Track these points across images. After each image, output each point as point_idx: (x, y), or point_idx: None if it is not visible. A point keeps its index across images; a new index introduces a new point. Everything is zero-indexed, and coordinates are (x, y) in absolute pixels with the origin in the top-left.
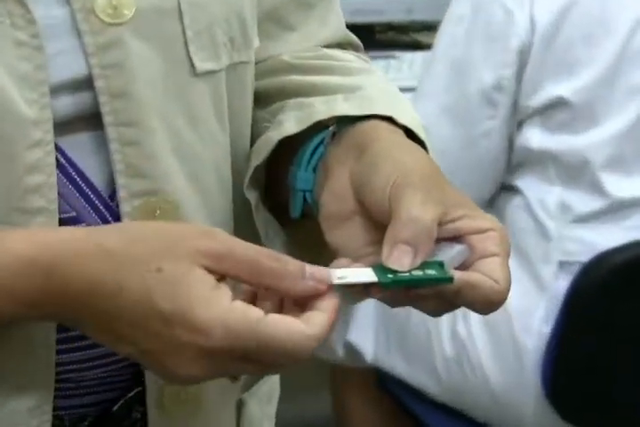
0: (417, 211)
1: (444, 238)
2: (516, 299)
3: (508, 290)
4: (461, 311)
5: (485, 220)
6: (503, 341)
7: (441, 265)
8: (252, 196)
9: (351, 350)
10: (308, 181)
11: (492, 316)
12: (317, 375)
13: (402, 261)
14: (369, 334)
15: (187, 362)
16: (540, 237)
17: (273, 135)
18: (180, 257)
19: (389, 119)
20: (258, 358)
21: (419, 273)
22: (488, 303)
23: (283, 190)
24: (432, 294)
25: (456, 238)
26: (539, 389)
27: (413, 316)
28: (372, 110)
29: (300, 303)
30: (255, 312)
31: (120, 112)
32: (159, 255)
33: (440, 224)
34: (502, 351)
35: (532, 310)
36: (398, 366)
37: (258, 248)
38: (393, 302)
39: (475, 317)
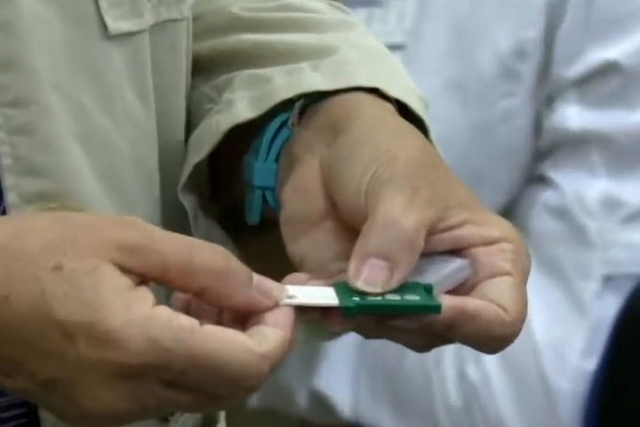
0: (397, 213)
1: (439, 252)
2: (546, 326)
3: (522, 322)
4: None
5: (496, 227)
6: (529, 383)
7: (428, 289)
8: (188, 201)
9: (320, 402)
10: (269, 176)
11: (513, 349)
12: None
13: (373, 280)
14: (345, 378)
15: (99, 390)
16: (577, 245)
17: (220, 121)
18: (83, 251)
19: (376, 90)
20: (192, 384)
21: (395, 298)
22: (491, 339)
23: (235, 191)
24: (415, 326)
25: (457, 252)
26: None
27: (407, 352)
28: (350, 81)
29: (242, 321)
30: (186, 321)
31: (7, 88)
32: (57, 250)
33: (434, 232)
34: (528, 397)
35: (568, 341)
36: (387, 421)
37: (190, 239)
38: (363, 333)
39: None
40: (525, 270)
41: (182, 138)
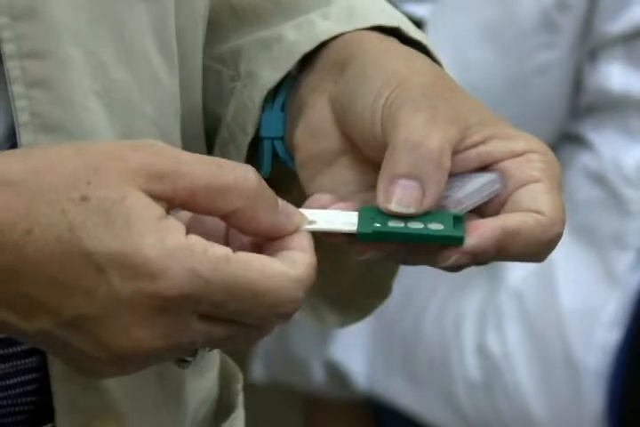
0: (419, 134)
1: (466, 170)
2: (575, 297)
3: (562, 222)
4: (494, 318)
5: (522, 139)
6: (553, 357)
7: (458, 218)
8: None
9: (335, 373)
10: (277, 125)
11: (538, 322)
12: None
13: (405, 200)
14: (361, 349)
15: (133, 326)
16: (613, 213)
17: (253, 96)
18: (109, 180)
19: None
20: (229, 315)
21: (417, 226)
22: (539, 248)
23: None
24: (467, 261)
25: (485, 168)
26: (602, 424)
27: (424, 324)
28: (366, 22)
29: (255, 246)
30: (220, 250)
31: (25, 38)
32: (80, 180)
33: (458, 151)
34: (551, 372)
35: (597, 312)
36: (402, 395)
37: (218, 159)
38: (396, 260)
39: (512, 325)
40: (556, 177)
41: (200, 106)
